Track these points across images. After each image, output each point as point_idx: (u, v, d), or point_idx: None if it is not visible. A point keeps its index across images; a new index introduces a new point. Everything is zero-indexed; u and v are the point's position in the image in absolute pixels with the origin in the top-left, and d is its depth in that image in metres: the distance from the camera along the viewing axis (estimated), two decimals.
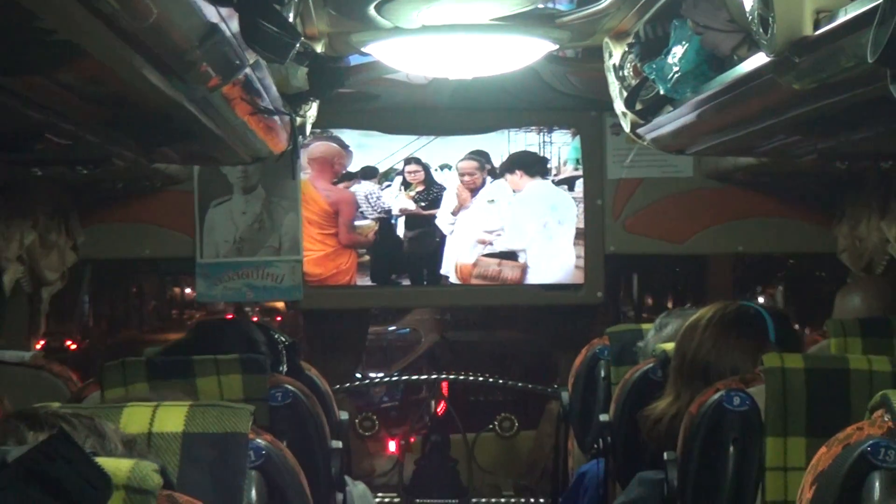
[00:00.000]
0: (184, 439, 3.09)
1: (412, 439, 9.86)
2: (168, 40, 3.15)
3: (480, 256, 8.72)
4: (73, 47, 2.93)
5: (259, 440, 3.31)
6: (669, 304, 12.07)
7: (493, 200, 8.71)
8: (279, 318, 10.60)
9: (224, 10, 3.29)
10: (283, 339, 5.51)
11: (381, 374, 10.72)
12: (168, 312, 12.58)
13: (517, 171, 8.72)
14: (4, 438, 2.48)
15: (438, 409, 10.01)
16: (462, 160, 8.77)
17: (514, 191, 8.72)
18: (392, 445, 9.90)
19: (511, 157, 8.74)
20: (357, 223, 8.77)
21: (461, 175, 8.75)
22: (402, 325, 11.32)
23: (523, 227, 8.72)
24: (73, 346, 11.32)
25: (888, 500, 2.87)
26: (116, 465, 2.14)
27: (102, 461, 2.13)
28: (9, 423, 2.61)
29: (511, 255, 8.70)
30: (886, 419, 2.91)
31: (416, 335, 11.36)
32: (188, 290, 12.98)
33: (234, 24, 3.38)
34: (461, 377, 10.06)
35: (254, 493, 3.17)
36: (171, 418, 3.13)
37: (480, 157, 8.75)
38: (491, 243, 8.68)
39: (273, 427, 4.46)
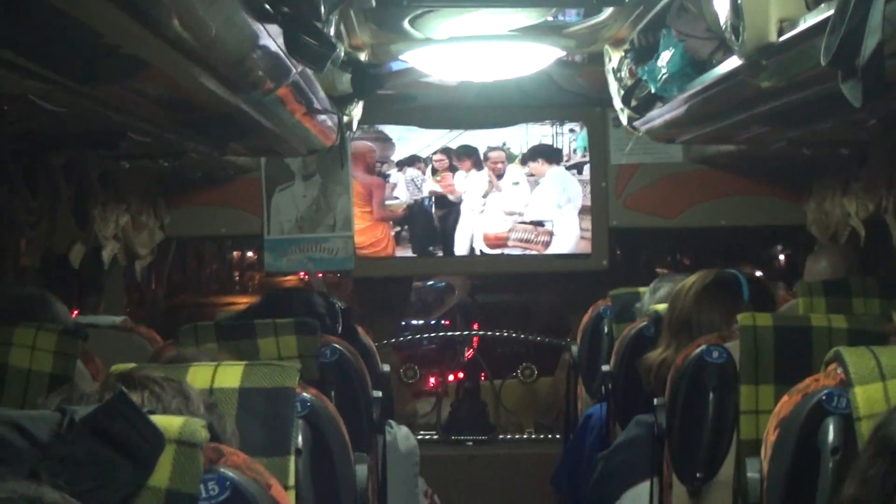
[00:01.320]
0: (240, 394, 3.08)
1: (450, 380, 9.86)
2: (223, 53, 3.13)
3: (517, 223, 8.73)
4: (140, 61, 2.91)
5: (305, 394, 3.30)
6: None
7: (517, 183, 8.72)
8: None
9: (271, 27, 3.27)
10: (340, 305, 5.52)
11: (421, 321, 10.75)
12: (230, 275, 12.56)
13: (539, 159, 8.73)
14: (103, 395, 2.45)
15: (468, 355, 10.01)
16: (491, 150, 8.76)
17: (534, 175, 8.71)
18: (432, 381, 9.91)
19: (532, 147, 8.75)
20: (387, 202, 8.77)
21: (492, 162, 8.75)
22: (438, 279, 11.32)
23: (543, 204, 8.72)
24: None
25: (839, 441, 2.85)
26: (169, 422, 2.13)
27: (156, 419, 2.12)
28: (108, 382, 2.60)
29: (540, 223, 8.72)
30: (839, 372, 2.90)
31: (450, 288, 11.41)
32: (249, 254, 12.93)
33: (280, 38, 3.36)
34: (489, 333, 10.09)
35: (300, 439, 3.16)
36: (229, 376, 3.12)
37: (505, 147, 8.75)
38: (521, 213, 8.69)
39: (322, 380, 4.46)
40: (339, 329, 5.24)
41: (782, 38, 3.63)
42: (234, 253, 12.92)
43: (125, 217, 6.77)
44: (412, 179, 8.79)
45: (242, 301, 9.42)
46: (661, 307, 5.33)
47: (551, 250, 8.74)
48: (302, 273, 9.23)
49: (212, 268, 12.32)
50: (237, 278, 12.60)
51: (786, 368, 3.83)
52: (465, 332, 10.20)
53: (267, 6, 3.16)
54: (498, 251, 8.84)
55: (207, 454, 2.16)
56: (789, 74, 3.80)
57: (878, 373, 2.82)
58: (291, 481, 3.01)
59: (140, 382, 2.60)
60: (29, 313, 4.69)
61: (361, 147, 8.69)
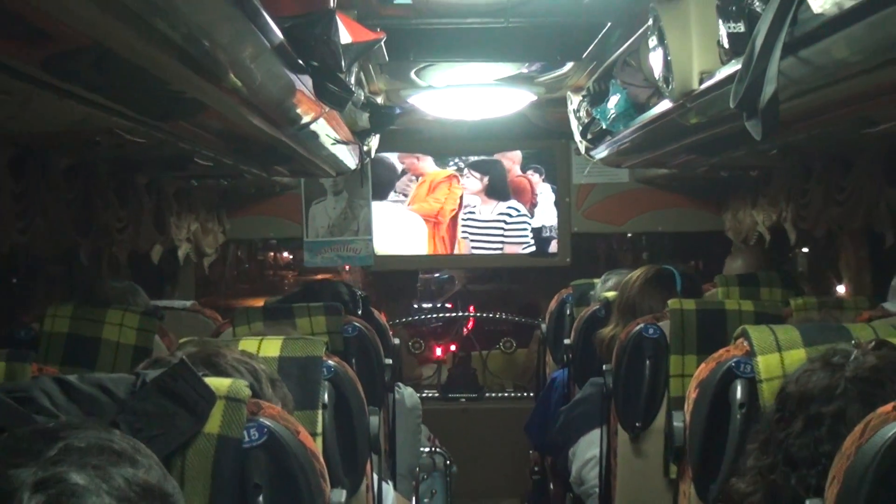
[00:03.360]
0: (279, 361, 3.09)
1: (450, 350, 9.85)
2: (266, 97, 3.12)
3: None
4: (200, 103, 2.91)
5: (330, 361, 3.30)
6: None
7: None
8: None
9: (304, 77, 3.26)
10: (360, 293, 5.52)
11: (429, 305, 10.72)
12: (262, 274, 12.38)
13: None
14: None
15: (464, 332, 10.00)
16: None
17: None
18: (438, 351, 9.90)
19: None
20: None
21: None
22: (442, 273, 11.30)
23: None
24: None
25: (744, 398, 2.85)
26: (220, 383, 2.14)
27: (209, 380, 2.12)
28: (196, 361, 2.57)
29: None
30: (745, 344, 2.90)
31: (451, 279, 11.37)
32: (285, 254, 12.75)
33: (311, 85, 3.35)
34: (479, 315, 10.08)
35: (326, 397, 3.15)
36: (271, 347, 3.14)
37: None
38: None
39: (345, 350, 4.47)
40: (360, 312, 5.24)
41: (702, 86, 3.64)
42: (270, 254, 12.69)
43: (195, 224, 6.77)
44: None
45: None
46: (610, 294, 5.35)
47: (528, 251, 8.71)
48: (346, 266, 9.19)
49: (245, 267, 12.08)
50: (270, 276, 12.39)
51: (705, 342, 3.85)
52: (462, 314, 10.19)
53: (300, 61, 3.15)
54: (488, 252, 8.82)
55: (249, 408, 2.16)
56: (709, 114, 3.81)
57: (775, 345, 2.82)
58: (319, 429, 3.01)
59: (217, 365, 2.59)
60: (122, 300, 4.70)
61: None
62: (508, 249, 8.71)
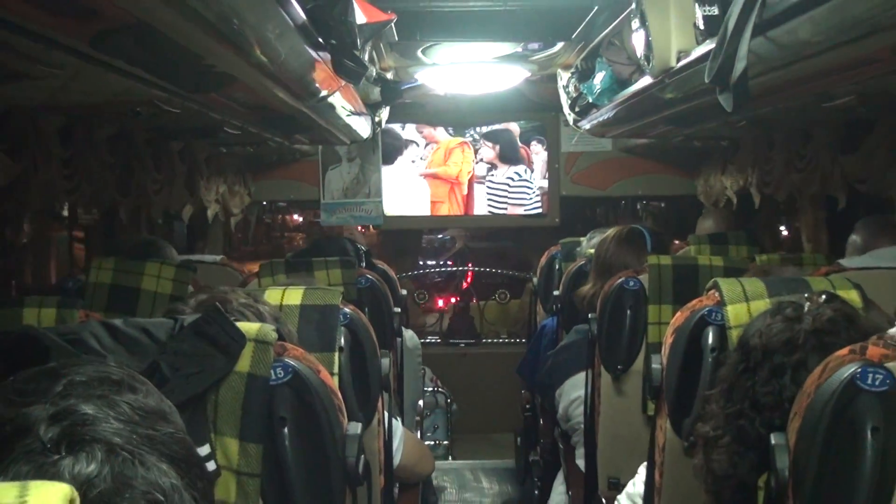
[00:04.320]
0: (301, 309, 3.09)
1: (451, 301, 9.88)
2: (289, 72, 3.11)
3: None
4: (230, 76, 2.90)
5: (346, 309, 3.29)
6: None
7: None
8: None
9: (323, 53, 3.25)
10: (363, 248, 5.53)
11: (432, 262, 10.73)
12: (269, 236, 12.07)
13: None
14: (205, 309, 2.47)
15: (463, 285, 10.03)
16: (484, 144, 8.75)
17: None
18: (440, 301, 9.93)
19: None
20: None
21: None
22: (445, 234, 11.29)
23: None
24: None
25: (715, 343, 2.86)
26: (249, 327, 2.14)
27: (240, 325, 2.12)
28: (211, 303, 2.57)
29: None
30: (716, 295, 2.90)
31: (452, 240, 11.36)
32: (295, 217, 12.51)
33: (329, 61, 3.34)
34: (477, 269, 10.10)
35: (342, 340, 3.15)
36: (293, 296, 3.13)
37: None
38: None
39: (359, 300, 4.46)
40: (363, 264, 5.25)
41: (680, 64, 3.63)
42: (280, 216, 12.45)
43: (223, 187, 6.77)
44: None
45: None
46: (594, 250, 5.36)
47: (533, 212, 8.72)
48: (360, 228, 9.18)
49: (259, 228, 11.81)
50: (277, 238, 12.17)
51: (680, 293, 3.85)
52: (462, 269, 10.20)
53: (320, 39, 3.14)
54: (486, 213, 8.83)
55: (276, 349, 2.16)
56: (685, 89, 3.80)
57: (743, 296, 2.83)
58: (336, 369, 3.01)
59: (237, 309, 2.59)
60: (149, 252, 4.71)
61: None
62: (511, 210, 8.73)
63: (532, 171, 8.66)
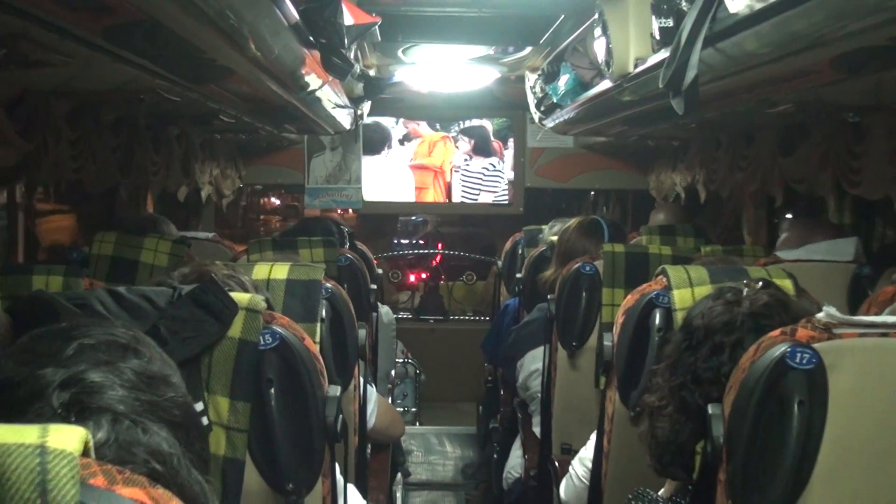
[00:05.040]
0: (287, 283, 3.09)
1: (422, 279, 9.87)
2: (281, 66, 3.12)
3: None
4: (227, 69, 2.91)
5: (328, 284, 3.31)
6: None
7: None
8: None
9: (313, 51, 3.26)
10: (346, 229, 5.52)
11: (406, 241, 10.68)
12: (246, 219, 11.60)
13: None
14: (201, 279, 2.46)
15: (433, 263, 10.02)
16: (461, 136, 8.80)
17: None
18: (412, 277, 9.93)
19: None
20: None
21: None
22: (417, 216, 11.23)
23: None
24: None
25: (662, 324, 2.89)
26: (241, 297, 2.15)
27: (233, 294, 2.13)
28: (191, 278, 2.58)
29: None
30: (663, 280, 2.92)
31: (424, 222, 11.32)
32: (273, 200, 12.09)
33: (318, 58, 3.35)
34: (446, 252, 10.10)
35: (324, 312, 3.17)
36: (280, 272, 3.13)
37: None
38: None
39: (339, 276, 4.46)
40: (347, 244, 5.26)
41: (636, 70, 3.64)
42: (258, 200, 12.07)
43: (216, 170, 6.74)
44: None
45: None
46: (555, 238, 5.36)
47: (501, 200, 8.76)
48: (339, 211, 9.13)
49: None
50: (251, 219, 11.81)
51: (631, 278, 3.84)
52: (432, 251, 10.20)
53: (311, 38, 3.15)
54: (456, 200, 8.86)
55: (264, 317, 2.17)
56: (641, 93, 3.81)
57: (688, 281, 2.85)
58: (318, 339, 3.02)
59: (222, 280, 2.60)
60: (148, 228, 4.70)
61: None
62: (483, 198, 8.76)
63: (503, 164, 8.69)
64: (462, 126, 8.72)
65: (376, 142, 8.67)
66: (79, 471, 0.83)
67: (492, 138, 8.69)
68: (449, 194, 8.78)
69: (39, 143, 3.35)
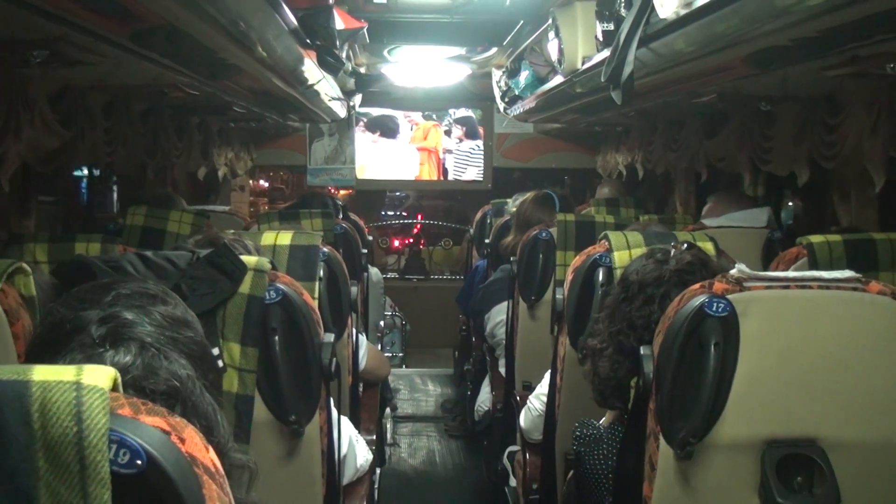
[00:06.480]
0: (290, 248, 3.09)
1: (406, 244, 9.85)
2: (284, 64, 3.11)
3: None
4: (237, 67, 2.90)
5: (325, 248, 3.31)
6: None
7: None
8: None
9: (310, 52, 3.25)
10: (340, 203, 5.51)
11: (392, 213, 10.59)
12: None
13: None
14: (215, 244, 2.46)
15: (414, 231, 9.99)
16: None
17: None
18: (397, 243, 9.91)
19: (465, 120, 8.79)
20: None
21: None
22: (402, 192, 11.11)
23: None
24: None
25: (604, 280, 2.90)
26: (249, 259, 2.15)
27: (243, 257, 2.14)
28: (203, 243, 2.57)
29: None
30: (606, 244, 2.93)
31: (407, 196, 11.22)
32: (261, 182, 11.61)
33: (315, 57, 3.34)
34: (426, 222, 10.09)
35: (321, 272, 3.17)
36: (285, 238, 3.13)
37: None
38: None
39: (335, 241, 4.45)
40: (341, 216, 5.25)
41: (584, 67, 3.65)
42: (251, 183, 11.65)
43: (231, 153, 6.70)
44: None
45: None
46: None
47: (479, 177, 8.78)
48: (331, 189, 9.08)
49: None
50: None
51: (580, 242, 3.81)
52: (414, 221, 10.20)
53: (308, 40, 3.14)
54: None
55: (269, 276, 2.17)
56: (588, 86, 3.81)
57: (626, 244, 2.86)
58: (316, 294, 3.01)
59: (230, 244, 2.59)
60: (164, 203, 4.68)
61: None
62: (469, 173, 8.82)
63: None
64: (455, 116, 8.77)
65: (392, 129, 8.75)
66: (108, 403, 0.85)
67: (477, 125, 8.72)
68: (443, 172, 8.88)
69: (78, 131, 3.33)
